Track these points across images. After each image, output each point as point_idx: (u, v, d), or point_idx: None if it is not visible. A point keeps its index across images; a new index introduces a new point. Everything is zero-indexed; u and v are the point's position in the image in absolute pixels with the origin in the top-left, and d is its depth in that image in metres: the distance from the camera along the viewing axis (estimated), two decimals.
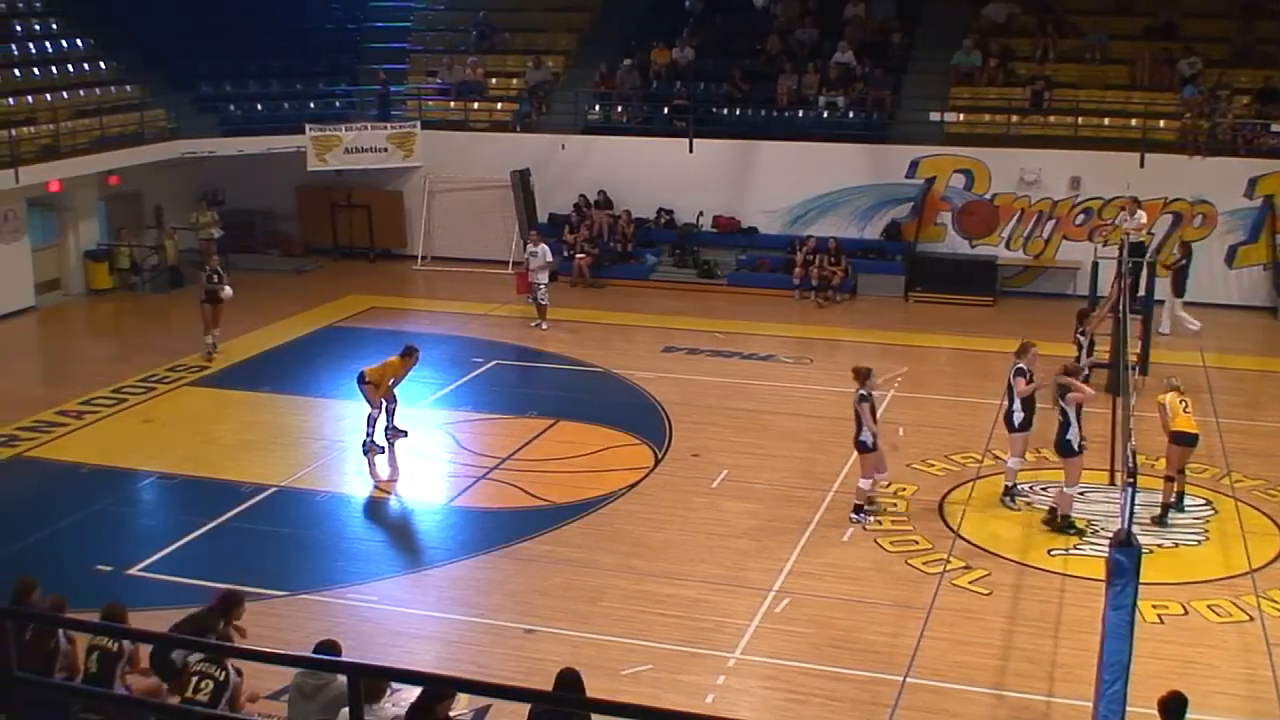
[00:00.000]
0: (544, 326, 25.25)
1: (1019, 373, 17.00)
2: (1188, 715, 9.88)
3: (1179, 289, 25.53)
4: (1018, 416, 17.02)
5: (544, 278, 25.48)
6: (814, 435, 19.64)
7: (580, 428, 20.03)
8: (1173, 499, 16.75)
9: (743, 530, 16.24)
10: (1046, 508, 16.69)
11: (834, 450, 18.76)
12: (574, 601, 14.46)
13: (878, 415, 16.89)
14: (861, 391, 16.37)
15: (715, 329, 25.78)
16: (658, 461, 18.64)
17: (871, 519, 16.51)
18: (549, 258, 25.68)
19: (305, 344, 24.80)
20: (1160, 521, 16.42)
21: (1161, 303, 24.53)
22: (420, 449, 19.21)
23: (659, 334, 25.55)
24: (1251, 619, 14.20)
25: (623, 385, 22.16)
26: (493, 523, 16.77)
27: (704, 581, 15.02)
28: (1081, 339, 19.90)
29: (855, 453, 16.81)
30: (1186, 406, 16.87)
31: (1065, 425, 16.21)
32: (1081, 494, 16.78)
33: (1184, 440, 16.65)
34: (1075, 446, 16.20)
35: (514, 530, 16.35)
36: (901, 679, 12.92)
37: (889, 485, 17.49)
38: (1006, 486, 17.23)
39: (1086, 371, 18.45)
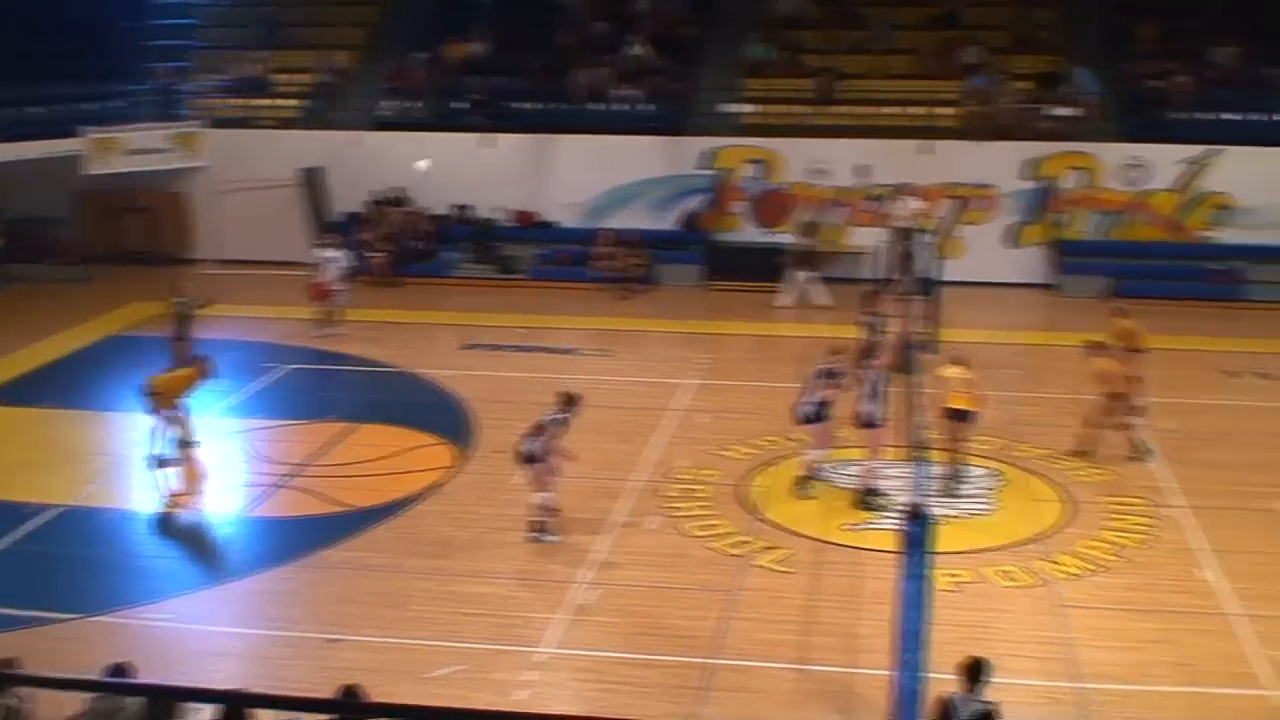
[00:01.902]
0: (341, 331, 24.85)
1: (828, 374, 17.05)
2: (989, 679, 10.18)
3: (811, 265, 26.99)
4: (808, 409, 17.16)
5: (340, 284, 25.09)
6: (618, 426, 19.75)
7: (381, 430, 19.79)
8: (953, 470, 17.33)
9: (550, 525, 16.22)
10: (850, 487, 17.07)
11: (638, 440, 18.96)
12: (379, 607, 14.28)
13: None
14: (564, 415, 15.95)
15: (517, 324, 25.75)
16: (462, 460, 18.54)
17: (554, 538, 15.84)
18: (344, 263, 25.31)
19: (88, 355, 23.96)
20: (948, 493, 16.96)
21: (810, 278, 26.48)
22: (214, 460, 18.72)
23: (460, 331, 25.42)
24: (1041, 582, 14.77)
25: (424, 385, 21.98)
26: (292, 532, 16.44)
27: (512, 578, 15.00)
28: (867, 319, 20.39)
29: (530, 464, 15.91)
30: (965, 383, 17.49)
31: (862, 399, 16.56)
32: (871, 470, 17.35)
33: (955, 416, 17.31)
34: (875, 419, 16.56)
35: (315, 538, 16.04)
36: (709, 661, 13.09)
37: (693, 471, 17.72)
38: (802, 477, 17.36)
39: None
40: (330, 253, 25.31)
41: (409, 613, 14.16)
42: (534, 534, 15.82)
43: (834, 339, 17.77)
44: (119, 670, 9.97)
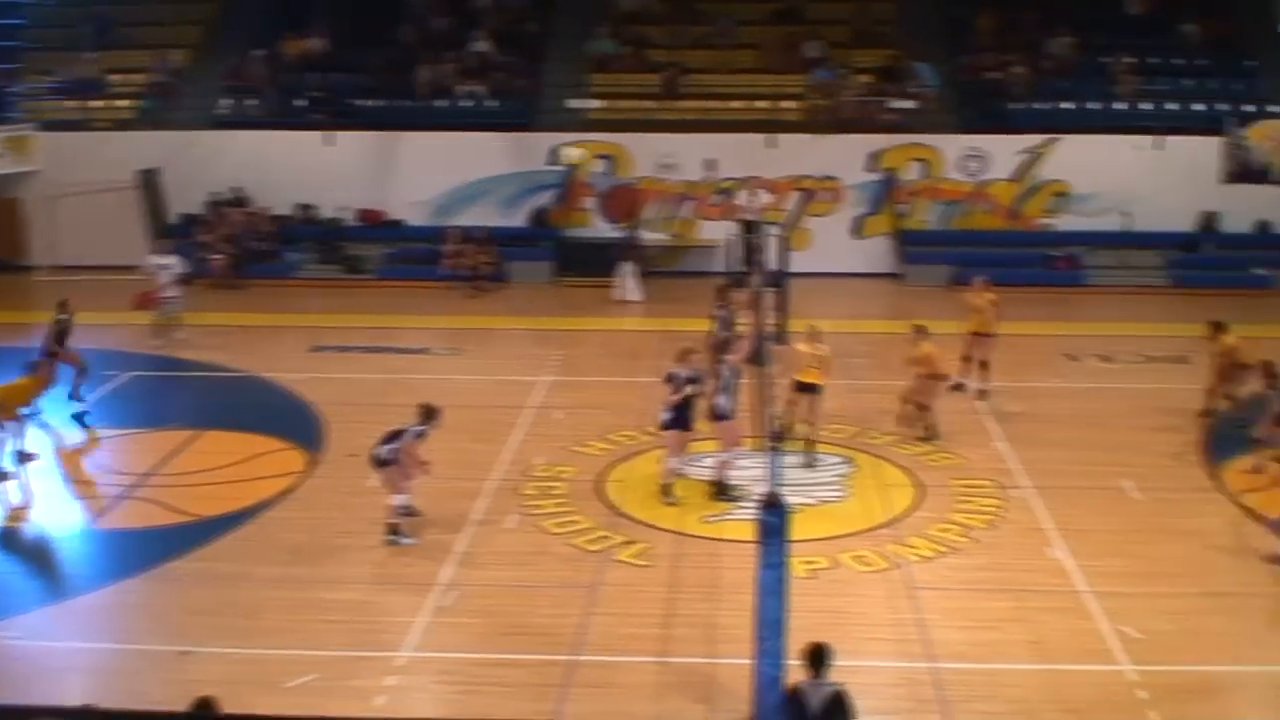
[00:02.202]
0: (182, 336, 24.18)
1: (687, 380, 16.71)
2: (832, 662, 10.26)
3: (633, 258, 27.32)
4: (666, 416, 16.86)
5: (173, 290, 24.40)
6: (473, 426, 19.56)
7: (228, 436, 19.32)
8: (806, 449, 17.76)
9: (408, 527, 15.97)
10: (706, 480, 17.15)
11: (494, 439, 18.81)
12: (231, 618, 13.92)
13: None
14: (424, 428, 15.73)
15: (366, 325, 25.39)
16: (313, 465, 18.20)
17: (410, 540, 15.61)
18: (179, 269, 24.61)
19: None
20: (808, 465, 17.36)
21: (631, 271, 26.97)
22: (53, 472, 18.12)
23: (307, 333, 24.97)
24: (895, 566, 14.98)
25: (271, 389, 21.54)
26: (139, 543, 15.91)
27: (368, 583, 14.75)
28: (720, 313, 20.50)
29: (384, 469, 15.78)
30: (816, 358, 17.91)
31: (715, 393, 16.63)
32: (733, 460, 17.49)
33: (803, 389, 17.80)
34: (727, 412, 16.63)
35: (163, 549, 15.53)
36: (571, 658, 13.03)
37: (550, 468, 17.66)
38: (664, 485, 16.83)
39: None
40: (162, 259, 24.60)
41: (263, 622, 13.83)
42: (390, 537, 15.58)
43: (684, 343, 17.59)
44: None
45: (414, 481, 15.84)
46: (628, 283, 27.63)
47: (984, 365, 20.69)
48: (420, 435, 15.67)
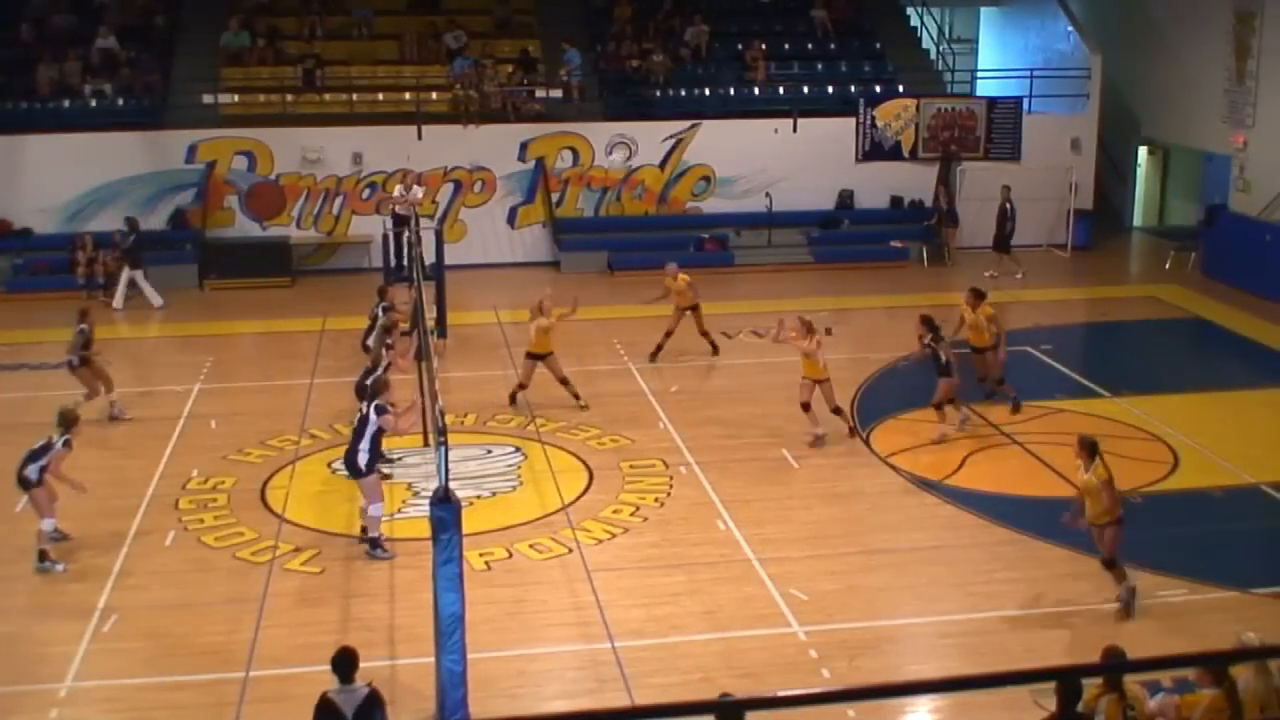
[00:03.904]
0: None
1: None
2: (358, 664, 10.18)
3: (135, 263, 26.27)
4: (363, 458, 14.99)
5: None
6: (122, 441, 18.72)
7: None
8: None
9: (58, 552, 15.04)
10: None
11: (144, 455, 18.01)
12: None
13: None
14: (66, 437, 14.96)
15: None
16: None
17: (59, 566, 14.76)
18: None
19: None
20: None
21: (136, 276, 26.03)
22: None
23: None
24: (570, 550, 15.13)
25: None
26: None
27: (21, 613, 13.88)
28: (377, 310, 20.14)
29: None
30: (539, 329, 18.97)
31: (357, 444, 15.07)
32: (399, 458, 17.29)
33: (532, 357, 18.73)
34: (364, 467, 15.01)
35: None
36: (244, 674, 12.60)
37: (207, 480, 17.03)
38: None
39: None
40: None
41: None
42: (40, 564, 14.69)
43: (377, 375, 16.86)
44: None
45: (59, 503, 14.95)
46: (141, 288, 26.22)
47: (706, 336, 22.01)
48: (67, 445, 14.89)
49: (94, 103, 29.16)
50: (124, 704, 12.26)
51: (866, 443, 18.42)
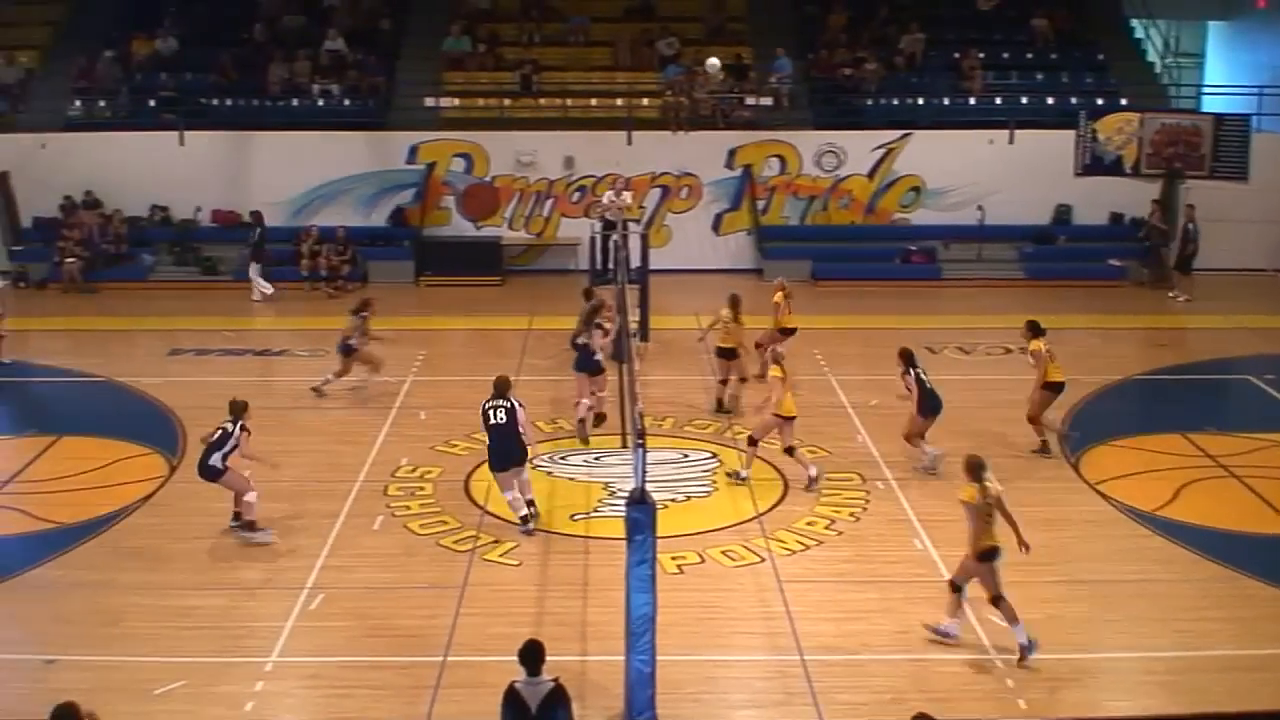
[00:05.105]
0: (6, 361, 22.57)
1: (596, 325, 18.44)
2: (545, 658, 10.28)
3: (258, 257, 27.32)
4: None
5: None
6: (335, 428, 19.43)
7: (85, 442, 18.86)
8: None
9: (260, 523, 15.77)
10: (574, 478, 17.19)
11: (357, 440, 18.66)
12: (94, 625, 13.63)
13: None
14: (243, 421, 15.83)
15: (224, 327, 24.96)
16: (173, 470, 17.86)
17: (267, 537, 15.64)
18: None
19: None
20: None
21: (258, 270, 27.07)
22: None
23: (164, 337, 24.47)
24: (762, 560, 15.17)
25: (128, 394, 21.07)
26: None
27: (234, 588, 14.53)
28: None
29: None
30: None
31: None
32: (597, 458, 17.60)
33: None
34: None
35: (21, 558, 15.17)
36: (441, 659, 12.98)
37: (415, 469, 17.57)
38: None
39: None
40: None
41: (125, 629, 13.57)
42: (243, 534, 15.51)
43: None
44: None
45: (254, 478, 15.79)
46: (256, 282, 27.36)
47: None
48: (244, 430, 15.64)
49: (321, 102, 30.30)
50: (326, 681, 12.74)
51: (1075, 468, 17.98)
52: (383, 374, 20.91)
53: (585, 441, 18.29)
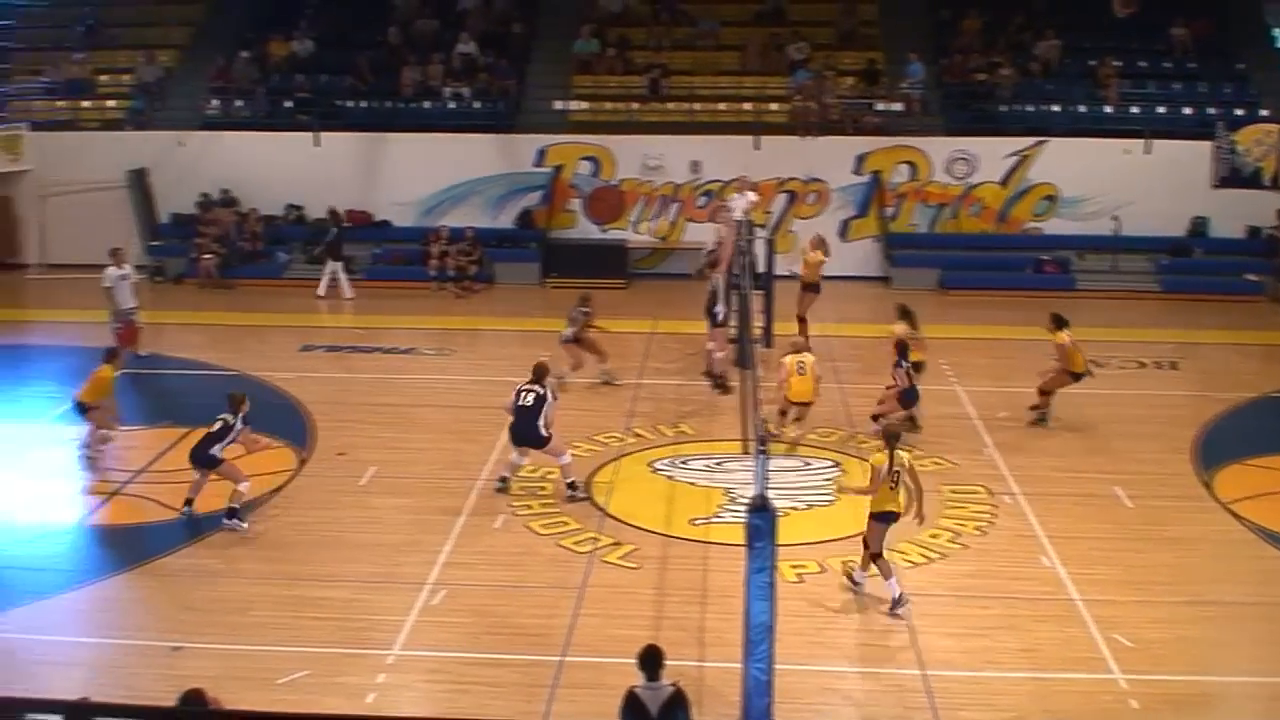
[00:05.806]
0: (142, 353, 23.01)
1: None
2: (664, 663, 10.23)
3: (336, 255, 27.63)
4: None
5: (133, 300, 23.01)
6: (459, 426, 19.61)
7: None
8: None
9: (394, 526, 16.04)
10: (694, 483, 17.19)
11: (480, 439, 18.80)
12: (222, 613, 13.94)
13: None
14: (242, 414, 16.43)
15: (354, 325, 25.36)
16: (302, 463, 18.19)
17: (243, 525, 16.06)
18: (134, 277, 23.40)
19: None
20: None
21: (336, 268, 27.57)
22: (47, 467, 18.06)
23: (296, 333, 24.95)
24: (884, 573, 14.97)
25: (261, 387, 21.48)
26: (131, 539, 15.94)
27: (357, 581, 14.74)
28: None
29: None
30: (803, 369, 18.40)
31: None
32: (719, 464, 17.51)
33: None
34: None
35: (154, 545, 15.58)
36: (559, 659, 13.04)
37: (537, 469, 17.68)
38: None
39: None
40: (117, 270, 22.82)
41: (252, 618, 13.85)
42: (225, 522, 15.94)
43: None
44: None
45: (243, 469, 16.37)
46: (338, 280, 27.76)
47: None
48: (246, 421, 16.25)
49: (452, 105, 30.66)
50: (446, 675, 12.86)
51: (1207, 487, 17.54)
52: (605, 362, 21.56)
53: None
